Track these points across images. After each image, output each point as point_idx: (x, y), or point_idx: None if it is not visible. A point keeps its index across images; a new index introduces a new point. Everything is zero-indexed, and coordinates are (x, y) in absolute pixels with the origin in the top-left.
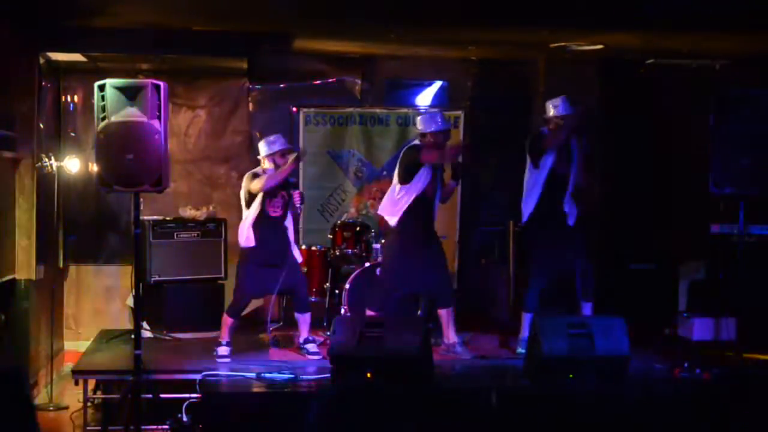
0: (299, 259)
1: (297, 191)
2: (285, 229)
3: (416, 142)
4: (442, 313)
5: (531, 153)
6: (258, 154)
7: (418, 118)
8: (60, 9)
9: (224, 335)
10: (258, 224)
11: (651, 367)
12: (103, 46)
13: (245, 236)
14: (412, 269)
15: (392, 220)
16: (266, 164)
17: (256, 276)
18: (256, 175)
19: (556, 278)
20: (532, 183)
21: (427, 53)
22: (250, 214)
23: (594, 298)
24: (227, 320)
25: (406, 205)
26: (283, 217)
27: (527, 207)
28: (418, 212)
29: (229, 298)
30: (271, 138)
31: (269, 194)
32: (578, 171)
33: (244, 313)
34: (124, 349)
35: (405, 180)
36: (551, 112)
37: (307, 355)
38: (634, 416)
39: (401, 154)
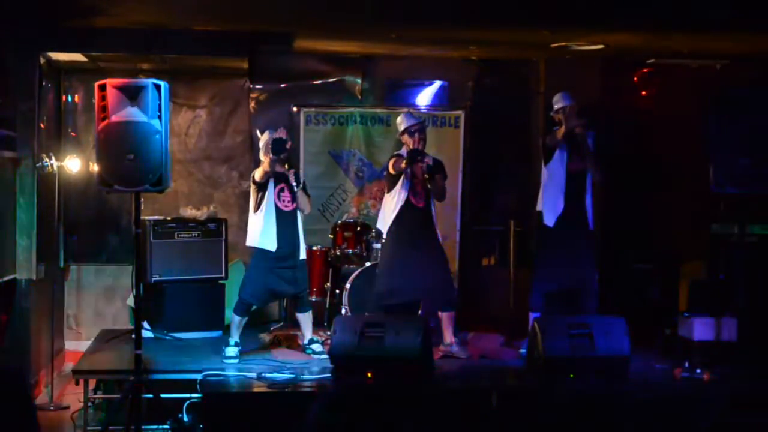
0: (304, 255)
1: (291, 170)
2: (297, 224)
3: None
4: (443, 315)
5: (542, 150)
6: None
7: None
8: (60, 9)
9: (233, 335)
10: (271, 220)
11: (651, 367)
12: (103, 46)
13: (257, 235)
14: (406, 276)
15: (383, 228)
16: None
17: (265, 279)
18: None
19: (566, 282)
20: (549, 183)
21: (427, 53)
22: (260, 211)
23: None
24: (234, 318)
25: (394, 214)
26: (296, 210)
27: (550, 208)
28: (407, 219)
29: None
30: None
31: (277, 186)
32: (590, 169)
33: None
34: (124, 349)
35: (388, 189)
36: (554, 108)
37: (312, 355)
38: (635, 416)
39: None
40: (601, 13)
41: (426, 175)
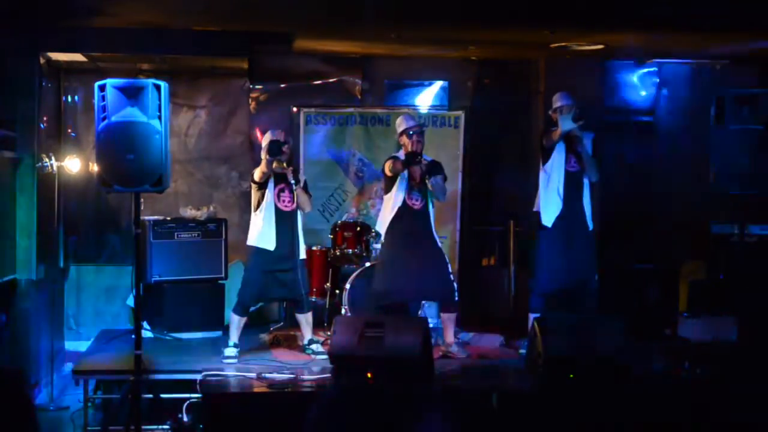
0: (303, 255)
1: (290, 168)
2: (297, 224)
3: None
4: (444, 316)
5: (540, 149)
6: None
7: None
8: (60, 9)
9: (232, 335)
10: (270, 220)
11: (651, 367)
12: (103, 46)
13: (255, 235)
14: (403, 276)
15: (381, 230)
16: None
17: (263, 280)
18: None
19: (565, 283)
20: (547, 183)
21: (427, 53)
22: (260, 211)
23: (596, 305)
24: (233, 318)
25: (392, 215)
26: (296, 211)
27: (548, 209)
28: (404, 220)
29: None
30: None
31: (277, 186)
32: (588, 169)
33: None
34: (124, 349)
35: (385, 190)
36: (552, 107)
37: (312, 355)
38: (635, 416)
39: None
40: (601, 13)
41: (424, 177)
